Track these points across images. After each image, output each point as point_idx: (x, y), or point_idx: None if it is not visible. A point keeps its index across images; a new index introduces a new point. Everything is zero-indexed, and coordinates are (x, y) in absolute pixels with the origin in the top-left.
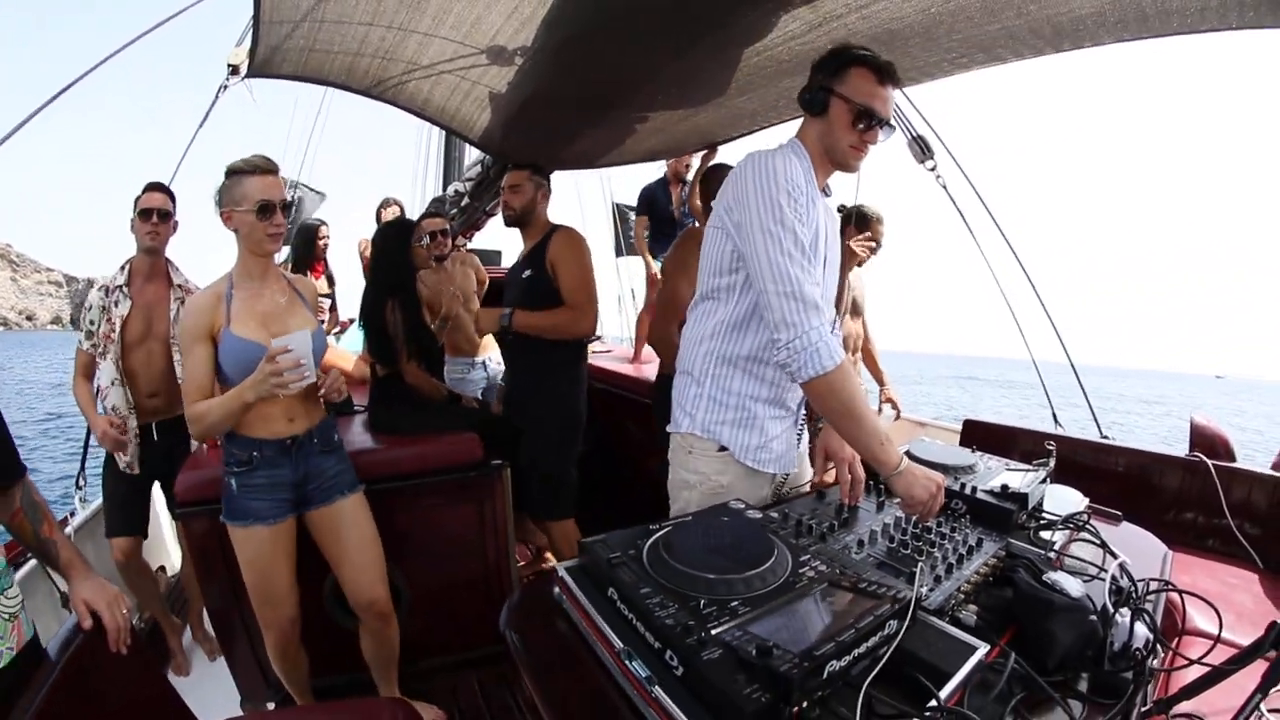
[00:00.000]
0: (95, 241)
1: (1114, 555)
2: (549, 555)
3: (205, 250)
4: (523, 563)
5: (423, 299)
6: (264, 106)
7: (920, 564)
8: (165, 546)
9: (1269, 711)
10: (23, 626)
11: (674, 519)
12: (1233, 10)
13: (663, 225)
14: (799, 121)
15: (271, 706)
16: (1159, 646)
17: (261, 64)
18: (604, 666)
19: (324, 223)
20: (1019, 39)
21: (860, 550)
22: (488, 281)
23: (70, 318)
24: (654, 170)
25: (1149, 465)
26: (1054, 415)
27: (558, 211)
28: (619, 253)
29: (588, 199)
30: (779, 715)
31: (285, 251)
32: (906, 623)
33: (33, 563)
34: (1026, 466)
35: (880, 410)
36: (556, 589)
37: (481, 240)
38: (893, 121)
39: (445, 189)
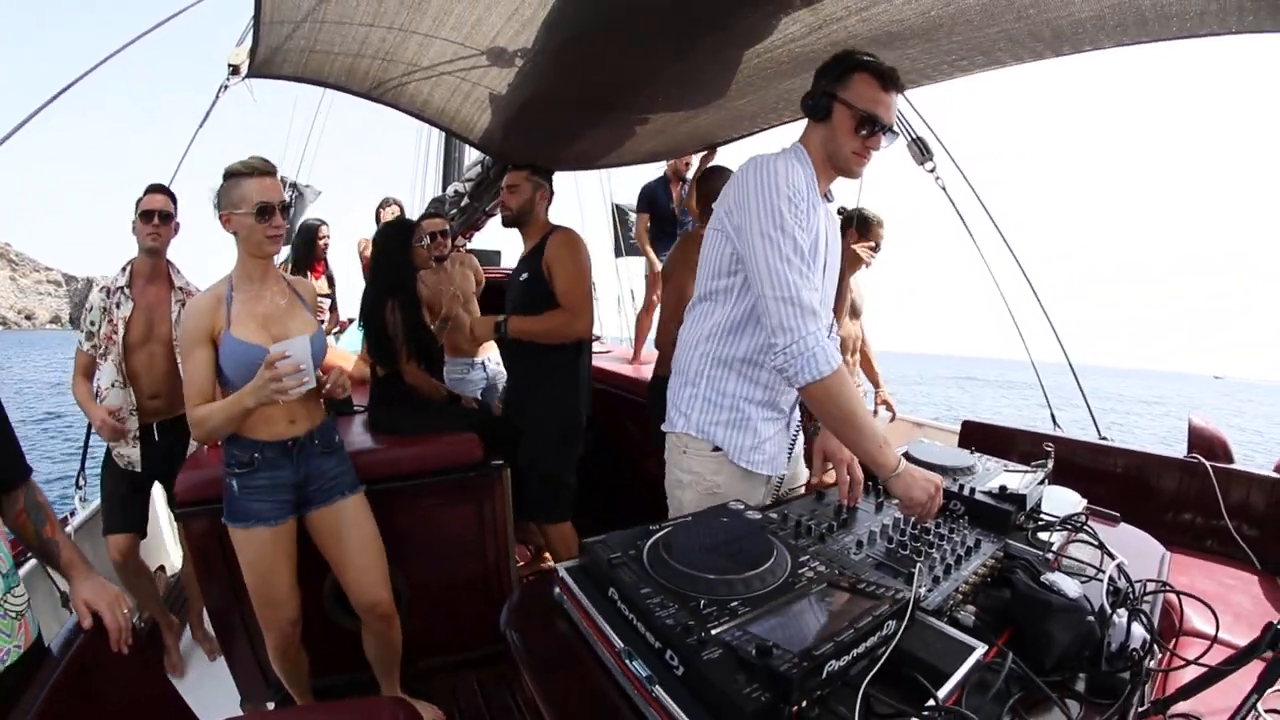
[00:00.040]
0: (94, 242)
1: (1111, 556)
2: (548, 555)
3: (205, 253)
4: (521, 563)
5: (422, 299)
6: (264, 106)
7: (919, 565)
8: (165, 546)
9: (1266, 711)
10: (29, 625)
11: (674, 519)
12: (1232, 14)
13: (663, 223)
14: (799, 123)
15: (271, 706)
16: (1156, 647)
17: (262, 64)
18: (604, 666)
19: (324, 222)
20: (1018, 42)
21: (859, 551)
22: (484, 282)
23: (69, 317)
24: (654, 169)
25: (1147, 466)
26: (1053, 416)
27: (557, 212)
28: (618, 253)
29: (587, 199)
30: (779, 714)
31: (285, 251)
32: (905, 623)
33: (33, 562)
34: (1025, 468)
35: (876, 412)
36: (557, 589)
37: (481, 240)
38: (896, 128)
39: (445, 189)
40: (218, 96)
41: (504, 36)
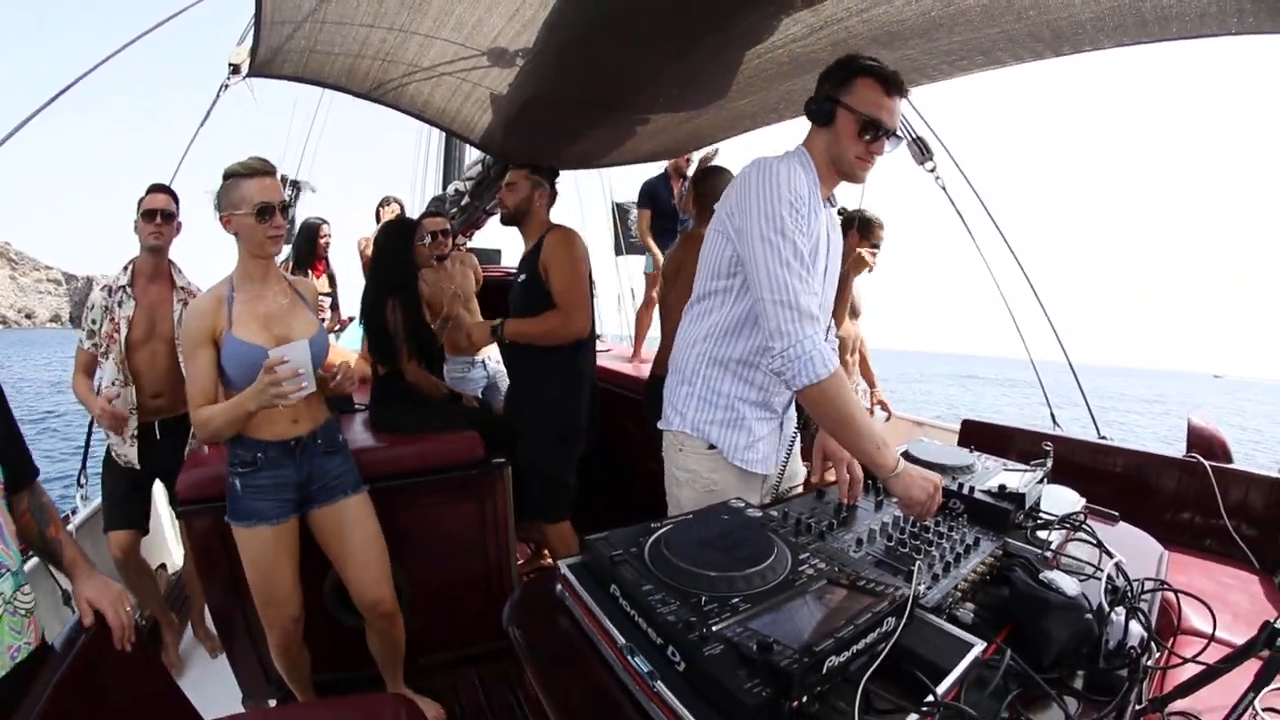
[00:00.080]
0: (94, 241)
1: (1110, 555)
2: (548, 553)
3: (205, 253)
4: (521, 560)
5: (423, 298)
6: (265, 106)
7: (918, 562)
8: (167, 545)
9: (1263, 710)
10: (38, 622)
11: (675, 517)
12: (1231, 15)
13: (665, 219)
14: (798, 121)
15: (273, 704)
16: (1154, 645)
17: (262, 64)
18: (606, 662)
19: (325, 221)
20: (1018, 43)
21: (859, 549)
22: (483, 280)
23: (69, 316)
24: (655, 165)
25: (1146, 466)
26: (1052, 415)
27: (558, 210)
28: (619, 251)
29: (588, 198)
30: (779, 709)
31: (286, 250)
32: (904, 620)
33: (35, 561)
34: (1024, 467)
35: (871, 412)
36: (559, 586)
37: (482, 239)
38: (899, 132)
39: (445, 188)
40: (218, 96)
41: (505, 37)
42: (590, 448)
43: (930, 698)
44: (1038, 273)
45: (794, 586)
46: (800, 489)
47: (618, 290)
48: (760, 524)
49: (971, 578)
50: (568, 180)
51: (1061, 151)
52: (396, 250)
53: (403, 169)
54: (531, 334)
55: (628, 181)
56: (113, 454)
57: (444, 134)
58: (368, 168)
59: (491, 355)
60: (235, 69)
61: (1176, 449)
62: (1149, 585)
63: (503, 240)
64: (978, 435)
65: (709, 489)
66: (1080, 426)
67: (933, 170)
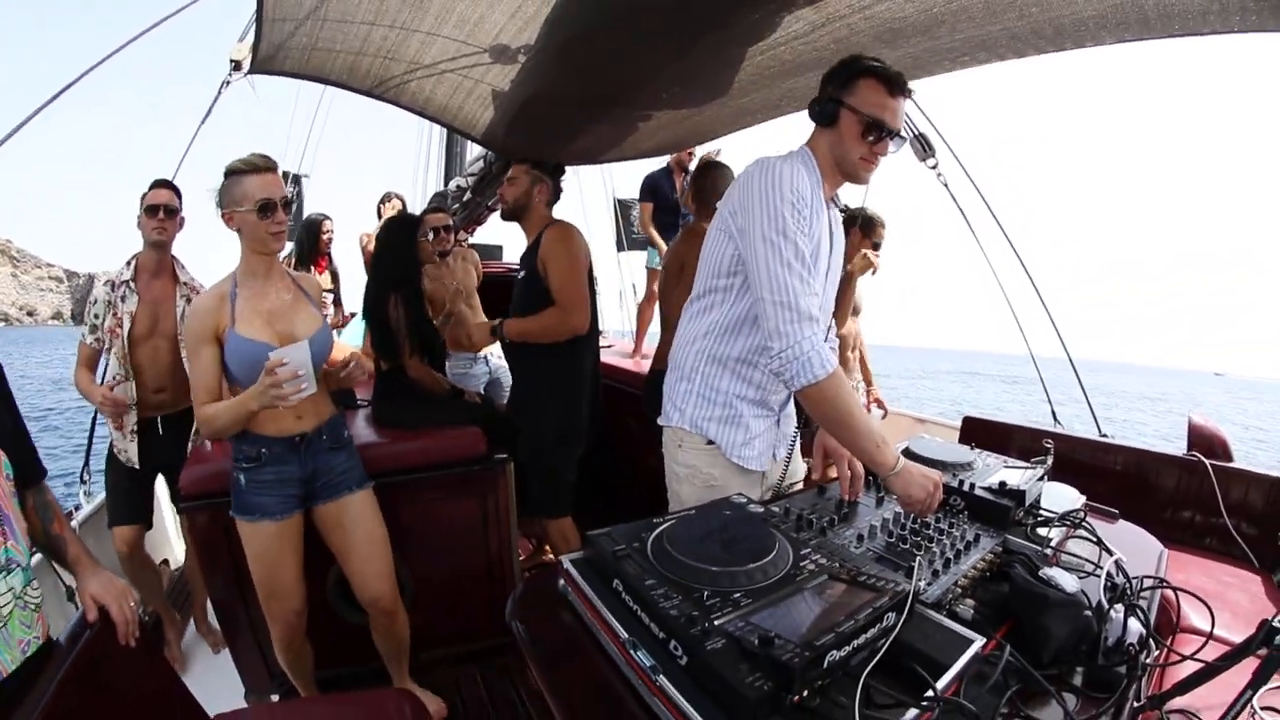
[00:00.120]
0: (96, 239)
1: (1109, 552)
2: (549, 548)
3: (206, 251)
4: (523, 556)
5: (425, 294)
6: (266, 101)
7: (919, 558)
8: (169, 541)
9: (1261, 708)
10: (45, 618)
11: (676, 513)
12: (1234, 14)
13: (666, 214)
14: (801, 115)
15: (276, 699)
16: (1153, 642)
17: (264, 60)
18: (609, 657)
19: (327, 217)
20: (1020, 39)
21: (860, 545)
22: (482, 276)
23: (71, 313)
24: (658, 159)
25: (1147, 464)
26: (1053, 413)
27: (560, 205)
28: (620, 247)
29: (589, 194)
30: (781, 703)
31: (289, 247)
32: (904, 615)
33: (38, 557)
34: (1024, 464)
35: (868, 410)
36: (561, 581)
37: (485, 236)
38: (903, 133)
39: (447, 184)
40: (220, 92)
41: (506, 34)
42: (592, 444)
43: (930, 693)
44: (1039, 268)
45: (795, 582)
46: (801, 485)
47: (619, 286)
48: (762, 520)
49: (971, 574)
50: (569, 176)
51: (1061, 144)
52: (400, 246)
53: (404, 165)
54: (530, 332)
55: (629, 178)
56: (114, 451)
57: (445, 130)
58: (368, 163)
59: (494, 351)
60: (237, 65)
61: (1177, 447)
62: (1148, 583)
63: (505, 236)
64: (979, 432)
65: (709, 484)
66: (1081, 423)
67: (934, 167)
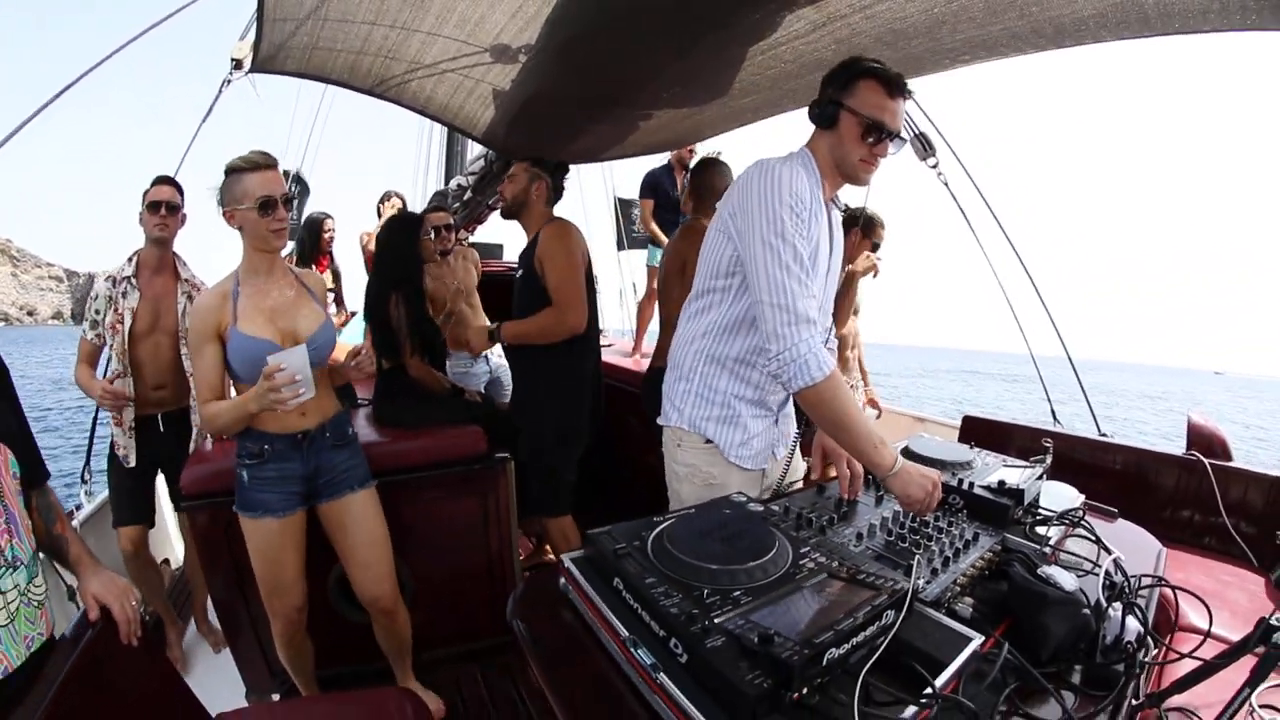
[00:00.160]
0: (96, 239)
1: (1108, 551)
2: (549, 547)
3: (208, 249)
4: (523, 555)
5: (426, 293)
6: (267, 100)
7: (918, 557)
8: (170, 540)
9: (1259, 706)
10: (49, 615)
11: (677, 511)
12: (1234, 12)
13: (667, 211)
14: (801, 113)
15: (276, 698)
16: (1151, 641)
17: (265, 60)
18: (609, 655)
19: (329, 216)
20: (1021, 37)
21: (859, 543)
22: (481, 274)
23: (71, 313)
24: (658, 156)
25: (1146, 463)
26: (1053, 412)
27: (560, 204)
28: (620, 246)
29: (590, 193)
30: (780, 700)
31: (290, 245)
32: (903, 613)
33: (40, 557)
34: (1024, 463)
35: (864, 409)
36: (562, 580)
37: (485, 234)
38: (903, 134)
39: (448, 183)
40: (220, 91)
41: (507, 34)
42: (592, 442)
43: (929, 690)
44: (1038, 267)
45: (795, 580)
46: (800, 484)
47: (619, 285)
48: (761, 518)
49: (970, 572)
50: (570, 174)
51: (1060, 143)
52: (401, 245)
53: (405, 164)
54: (528, 333)
55: (630, 177)
56: (115, 450)
57: (446, 129)
58: (369, 162)
59: (495, 350)
60: (238, 64)
61: (1177, 446)
62: (1147, 581)
63: (505, 235)
64: (978, 431)
65: (708, 483)
66: (1081, 422)
67: (935, 166)
